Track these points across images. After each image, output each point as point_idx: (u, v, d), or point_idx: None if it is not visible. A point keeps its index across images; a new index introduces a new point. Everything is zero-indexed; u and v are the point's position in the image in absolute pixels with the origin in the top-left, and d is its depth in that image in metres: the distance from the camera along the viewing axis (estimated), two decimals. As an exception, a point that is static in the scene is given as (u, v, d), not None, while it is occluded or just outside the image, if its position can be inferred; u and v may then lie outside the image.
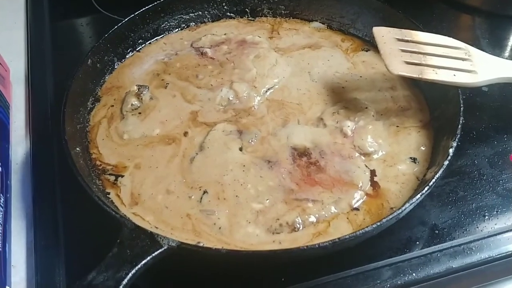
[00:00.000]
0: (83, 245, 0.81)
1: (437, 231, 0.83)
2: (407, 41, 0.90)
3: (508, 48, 1.16)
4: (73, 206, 0.85)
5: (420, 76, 0.86)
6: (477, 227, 0.83)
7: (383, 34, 0.90)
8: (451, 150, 0.80)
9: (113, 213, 0.74)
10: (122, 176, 0.86)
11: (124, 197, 0.83)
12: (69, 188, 0.84)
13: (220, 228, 0.79)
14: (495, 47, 1.15)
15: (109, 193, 0.84)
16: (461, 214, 0.85)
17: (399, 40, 0.90)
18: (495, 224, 0.84)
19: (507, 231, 0.83)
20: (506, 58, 1.10)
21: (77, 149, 0.86)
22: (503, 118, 0.99)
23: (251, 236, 0.78)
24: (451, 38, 0.92)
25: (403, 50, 0.89)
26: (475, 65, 0.90)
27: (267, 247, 0.77)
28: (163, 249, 0.69)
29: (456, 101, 0.87)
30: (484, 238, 0.82)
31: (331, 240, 0.70)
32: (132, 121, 0.94)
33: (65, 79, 0.93)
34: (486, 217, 0.85)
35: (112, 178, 0.86)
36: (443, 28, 1.18)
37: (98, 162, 0.88)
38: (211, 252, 0.72)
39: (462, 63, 0.89)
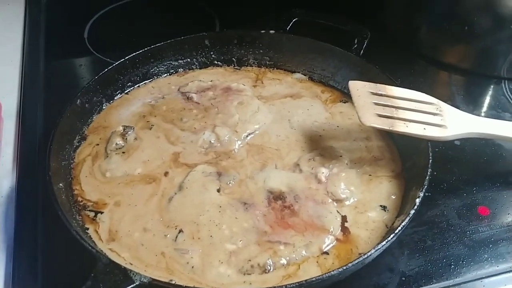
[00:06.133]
0: (60, 278, 0.83)
1: (404, 278, 0.85)
2: (380, 95, 0.94)
3: (481, 104, 1.20)
4: (54, 240, 0.87)
5: (391, 128, 0.90)
6: (443, 276, 0.86)
7: (358, 87, 0.95)
8: (417, 200, 0.83)
9: (90, 248, 0.76)
10: (102, 213, 0.89)
11: (102, 233, 0.86)
12: (51, 222, 0.86)
13: (193, 267, 0.81)
14: (469, 103, 1.19)
15: (88, 229, 0.86)
16: (428, 262, 0.87)
17: (373, 93, 0.94)
18: (461, 273, 0.86)
19: (472, 280, 0.86)
20: (479, 114, 1.15)
21: (60, 184, 0.89)
22: (473, 172, 1.03)
23: (222, 276, 0.80)
24: (424, 94, 0.96)
25: (376, 103, 0.93)
26: (445, 120, 0.94)
27: (238, 287, 0.79)
28: (134, 284, 0.71)
29: (426, 153, 0.90)
30: (449, 286, 0.85)
31: (297, 282, 0.73)
32: (116, 160, 0.97)
33: (55, 116, 0.96)
34: (452, 266, 0.87)
35: (92, 214, 0.89)
36: (420, 84, 1.22)
37: (79, 198, 0.91)
38: (181, 289, 0.74)
39: (433, 118, 0.93)
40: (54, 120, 0.96)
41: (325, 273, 0.74)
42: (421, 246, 0.90)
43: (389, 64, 1.12)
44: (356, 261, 0.76)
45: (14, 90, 1.19)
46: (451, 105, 0.97)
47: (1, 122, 1.07)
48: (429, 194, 0.86)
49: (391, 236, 0.79)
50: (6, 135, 1.08)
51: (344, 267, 0.75)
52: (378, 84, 0.97)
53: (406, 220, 0.81)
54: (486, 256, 0.89)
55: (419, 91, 0.97)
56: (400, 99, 0.95)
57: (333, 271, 0.74)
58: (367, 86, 0.96)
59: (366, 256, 0.76)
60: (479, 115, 1.12)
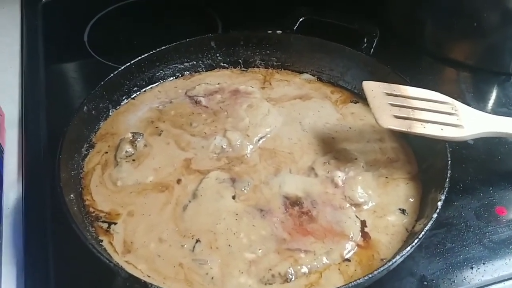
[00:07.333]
0: (74, 294, 0.81)
1: (425, 283, 0.84)
2: (395, 95, 0.93)
3: (491, 102, 1.20)
4: (65, 253, 0.85)
5: (409, 130, 0.89)
6: (465, 279, 0.85)
7: (372, 88, 0.93)
8: (439, 203, 0.82)
9: (107, 261, 0.74)
10: (115, 224, 0.86)
11: (117, 245, 0.83)
12: (61, 234, 0.84)
13: (212, 278, 0.79)
14: (479, 100, 1.18)
15: (102, 241, 0.84)
16: (449, 265, 0.86)
17: (388, 94, 0.92)
18: (482, 276, 0.85)
19: (494, 283, 0.85)
20: (489, 111, 1.14)
21: (71, 195, 0.86)
22: (488, 171, 1.02)
23: (243, 286, 0.78)
24: (439, 93, 0.95)
25: (392, 104, 0.91)
26: (461, 120, 0.92)
27: (259, 298, 0.77)
28: (156, 299, 0.69)
29: (443, 154, 0.89)
30: (471, 289, 0.84)
31: (323, 292, 0.71)
32: (126, 168, 0.94)
33: (58, 123, 0.94)
34: (474, 268, 0.86)
35: (105, 225, 0.86)
36: (429, 81, 1.21)
37: (91, 209, 0.88)
38: (204, 302, 0.72)
39: (449, 118, 0.92)
40: (57, 127, 0.94)
41: (351, 282, 0.72)
42: (441, 249, 0.88)
43: (397, 62, 1.10)
44: (382, 268, 0.74)
45: (15, 97, 1.16)
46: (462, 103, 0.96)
47: (3, 132, 1.04)
48: (446, 195, 0.85)
49: (415, 241, 0.77)
50: (9, 144, 1.05)
51: (370, 275, 0.73)
52: (392, 84, 0.95)
53: (429, 224, 0.79)
54: (507, 257, 0.88)
55: (429, 89, 0.96)
56: (415, 99, 0.93)
57: (359, 279, 0.73)
58: (381, 87, 0.94)
59: (391, 262, 0.75)
60: (489, 112, 1.10)
